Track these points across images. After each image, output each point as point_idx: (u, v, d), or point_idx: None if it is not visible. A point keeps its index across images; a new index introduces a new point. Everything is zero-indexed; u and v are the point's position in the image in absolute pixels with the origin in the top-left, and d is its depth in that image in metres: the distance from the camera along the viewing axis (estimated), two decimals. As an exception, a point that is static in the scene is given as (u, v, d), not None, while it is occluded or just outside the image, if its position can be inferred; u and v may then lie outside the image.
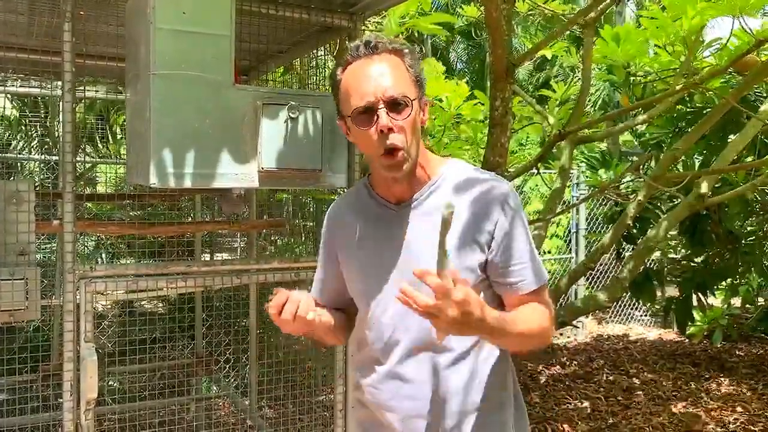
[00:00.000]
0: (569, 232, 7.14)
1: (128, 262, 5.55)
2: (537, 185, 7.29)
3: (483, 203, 1.40)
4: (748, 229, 5.12)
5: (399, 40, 1.47)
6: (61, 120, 2.20)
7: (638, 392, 4.82)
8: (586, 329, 6.88)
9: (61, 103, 2.19)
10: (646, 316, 7.41)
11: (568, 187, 6.65)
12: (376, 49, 1.38)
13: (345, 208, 1.57)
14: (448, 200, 1.14)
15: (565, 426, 4.17)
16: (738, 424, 4.20)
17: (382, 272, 1.44)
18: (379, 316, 1.45)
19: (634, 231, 4.57)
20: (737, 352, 5.93)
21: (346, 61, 1.41)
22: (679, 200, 3.92)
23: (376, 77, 1.36)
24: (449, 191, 1.44)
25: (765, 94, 4.23)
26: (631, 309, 7.50)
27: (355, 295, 1.53)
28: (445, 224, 1.13)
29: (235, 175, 2.18)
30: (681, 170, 4.55)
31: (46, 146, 5.73)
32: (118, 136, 6.75)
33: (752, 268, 5.11)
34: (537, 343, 1.42)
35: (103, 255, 5.85)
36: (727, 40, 3.23)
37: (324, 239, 1.60)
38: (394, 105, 1.35)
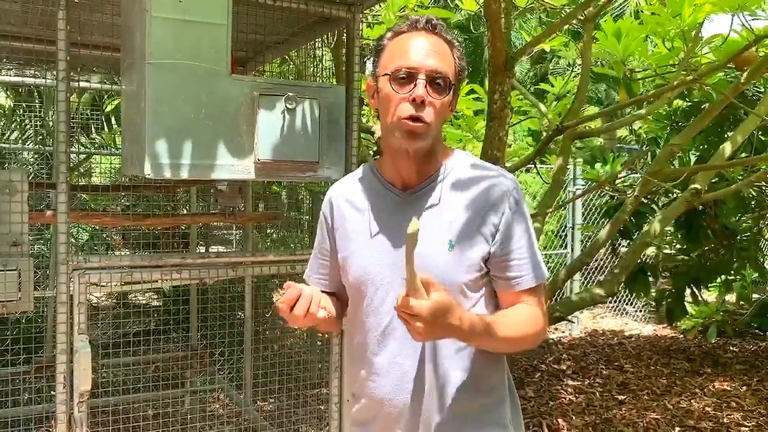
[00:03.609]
0: (565, 227, 7.15)
1: (123, 253, 5.53)
2: (534, 178, 7.29)
3: (489, 196, 1.39)
4: (744, 225, 5.13)
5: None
6: (55, 110, 2.18)
7: (632, 387, 4.83)
8: (581, 324, 6.89)
9: (55, 92, 2.17)
10: (641, 311, 7.43)
11: (565, 188, 6.66)
12: (434, 28, 1.40)
13: (348, 190, 1.53)
14: (415, 218, 1.14)
15: (560, 420, 4.18)
16: (732, 420, 4.22)
17: (384, 259, 1.41)
18: (378, 304, 1.42)
19: (630, 226, 4.57)
20: (731, 348, 5.95)
21: (400, 29, 1.42)
22: (676, 195, 3.91)
23: (427, 50, 1.37)
24: (455, 182, 1.43)
25: (763, 90, 4.23)
26: (626, 304, 7.51)
27: (351, 281, 1.48)
28: (411, 240, 1.14)
29: (231, 166, 2.16)
30: (677, 166, 4.55)
31: (40, 136, 5.69)
32: (113, 125, 6.72)
33: (747, 264, 5.12)
34: (526, 346, 1.41)
35: (98, 247, 5.83)
36: (727, 36, 3.23)
37: (323, 219, 1.56)
38: (435, 82, 1.35)
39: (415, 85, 1.33)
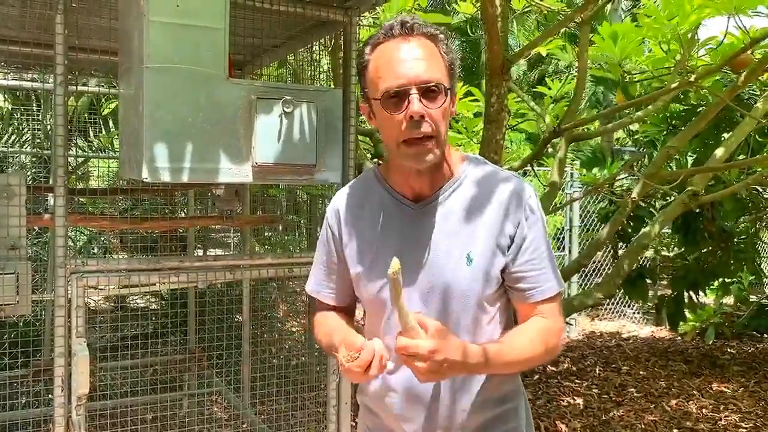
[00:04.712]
0: (563, 229, 7.16)
1: (121, 257, 5.53)
2: (532, 180, 7.31)
3: (505, 204, 1.34)
4: (741, 227, 5.14)
5: (433, 24, 1.36)
6: (53, 113, 2.19)
7: (630, 389, 4.84)
8: (579, 326, 6.90)
9: (53, 96, 2.17)
10: (638, 313, 7.44)
11: (562, 190, 6.68)
12: (411, 30, 1.29)
13: (355, 201, 1.45)
14: (395, 260, 1.11)
15: (558, 423, 4.18)
16: (729, 421, 4.22)
17: (404, 274, 1.33)
18: (395, 324, 1.32)
19: (629, 229, 4.58)
20: (729, 350, 5.96)
21: (377, 40, 1.32)
22: (673, 198, 3.92)
23: (410, 60, 1.27)
24: (469, 192, 1.37)
25: (759, 93, 4.24)
26: (624, 306, 7.52)
27: (366, 299, 1.42)
28: (395, 280, 1.12)
29: (228, 169, 2.16)
30: (674, 168, 4.56)
31: (38, 140, 5.69)
32: (111, 128, 6.72)
33: (744, 266, 5.13)
34: (542, 361, 1.36)
35: (96, 250, 5.83)
36: (723, 39, 3.24)
37: (329, 232, 1.48)
38: (428, 92, 1.26)
39: (409, 102, 1.25)
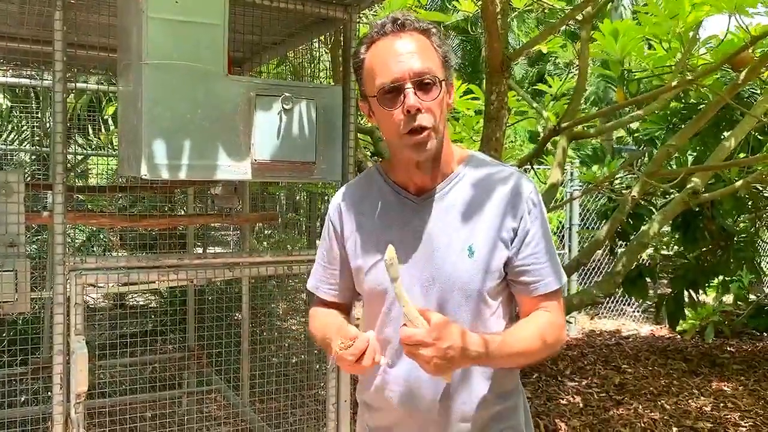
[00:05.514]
0: (562, 227, 7.15)
1: (120, 254, 5.52)
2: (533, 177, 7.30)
3: (507, 199, 1.35)
4: (741, 226, 5.14)
5: (425, 19, 1.38)
6: (52, 110, 2.18)
7: (630, 388, 4.84)
8: (579, 325, 6.90)
9: (52, 93, 2.16)
10: (638, 311, 7.44)
11: (562, 186, 6.67)
12: (403, 26, 1.32)
13: (357, 196, 1.47)
14: (390, 247, 1.14)
15: (558, 421, 4.18)
16: (729, 419, 4.22)
17: (404, 267, 1.35)
18: (396, 316, 1.35)
19: (628, 227, 4.57)
20: (728, 349, 5.96)
21: (371, 38, 1.34)
22: (673, 196, 3.92)
23: (403, 55, 1.29)
24: (471, 185, 1.38)
25: (759, 91, 4.24)
26: (624, 305, 7.52)
27: (367, 291, 1.43)
28: (392, 268, 1.14)
29: (227, 166, 2.16)
30: (674, 167, 4.56)
31: (37, 137, 5.68)
32: (111, 126, 6.71)
33: (744, 265, 5.13)
34: (545, 355, 1.37)
35: (95, 247, 5.83)
36: (724, 37, 3.24)
37: (330, 228, 1.50)
38: (422, 85, 1.28)
39: (404, 96, 1.27)
